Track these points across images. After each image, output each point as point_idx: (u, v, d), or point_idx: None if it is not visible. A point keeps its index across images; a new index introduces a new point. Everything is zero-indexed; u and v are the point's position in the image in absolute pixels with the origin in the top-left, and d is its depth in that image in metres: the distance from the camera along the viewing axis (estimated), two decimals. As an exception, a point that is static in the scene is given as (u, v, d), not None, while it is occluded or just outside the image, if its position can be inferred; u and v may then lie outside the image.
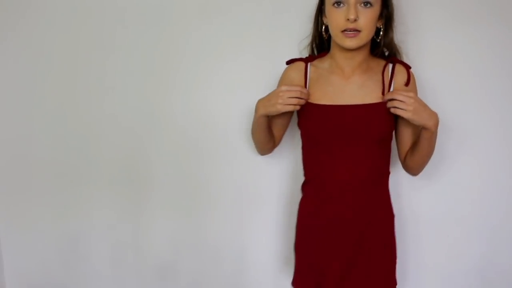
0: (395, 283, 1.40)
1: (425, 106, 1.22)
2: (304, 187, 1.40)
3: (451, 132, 1.56)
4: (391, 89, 1.27)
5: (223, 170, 1.65)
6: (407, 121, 1.26)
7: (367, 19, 1.19)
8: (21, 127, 1.70)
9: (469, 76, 1.53)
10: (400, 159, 1.41)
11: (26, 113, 1.69)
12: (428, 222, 1.62)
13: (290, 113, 1.40)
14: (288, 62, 1.36)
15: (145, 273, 1.76)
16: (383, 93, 1.27)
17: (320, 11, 1.31)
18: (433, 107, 1.25)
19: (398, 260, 1.64)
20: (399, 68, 1.30)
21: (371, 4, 1.20)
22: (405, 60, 1.36)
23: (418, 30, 1.46)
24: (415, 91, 1.32)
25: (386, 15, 1.27)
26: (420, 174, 1.58)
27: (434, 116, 1.22)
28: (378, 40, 1.29)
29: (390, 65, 1.30)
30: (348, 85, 1.28)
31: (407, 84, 1.28)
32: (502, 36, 1.47)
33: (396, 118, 1.29)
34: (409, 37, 1.45)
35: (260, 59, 1.54)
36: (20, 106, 1.69)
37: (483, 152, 1.57)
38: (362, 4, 1.19)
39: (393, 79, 1.28)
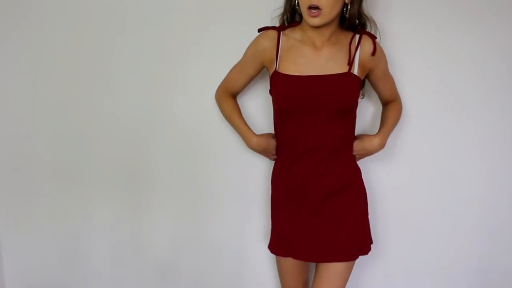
0: (370, 238, 1.46)
1: (367, 151, 1.44)
2: (276, 153, 1.48)
3: (451, 131, 1.56)
4: (356, 59, 1.34)
5: (223, 170, 1.65)
6: (377, 80, 1.43)
7: None
8: (21, 127, 1.70)
9: (470, 74, 1.53)
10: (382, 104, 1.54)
11: (27, 113, 1.69)
12: (428, 222, 1.62)
13: (258, 73, 1.46)
14: (260, 30, 1.41)
15: (145, 273, 1.76)
16: (348, 63, 1.34)
17: None
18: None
19: (399, 260, 1.65)
20: (365, 39, 1.35)
21: None
22: (377, 31, 1.41)
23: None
24: (384, 60, 1.41)
25: None
26: (420, 174, 1.59)
27: (376, 149, 1.44)
28: (347, 16, 1.35)
29: (357, 36, 1.36)
30: (318, 57, 1.34)
31: (373, 53, 1.34)
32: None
33: (363, 85, 1.45)
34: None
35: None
36: (20, 106, 1.69)
37: (484, 152, 1.57)
38: None
39: (358, 49, 1.34)
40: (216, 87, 1.54)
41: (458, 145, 1.57)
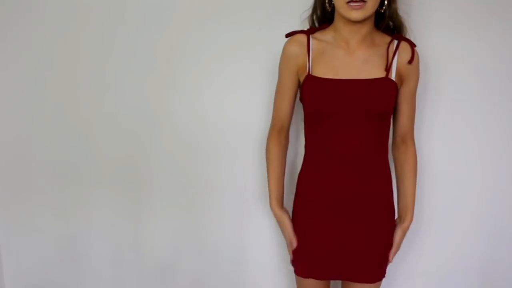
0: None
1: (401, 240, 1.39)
2: (305, 159, 1.38)
3: (451, 131, 1.56)
4: (394, 65, 1.28)
5: (223, 169, 1.65)
6: (401, 101, 1.34)
7: None
8: (20, 127, 1.70)
9: (470, 75, 1.53)
10: (393, 141, 1.42)
11: (26, 113, 1.69)
12: (427, 221, 1.62)
13: (294, 102, 1.38)
14: (288, 35, 1.33)
15: (145, 273, 1.76)
16: (386, 69, 1.27)
17: None
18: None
19: (398, 260, 1.65)
20: (404, 45, 1.29)
21: None
22: (410, 35, 1.35)
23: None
24: (417, 71, 1.33)
25: None
26: (419, 174, 1.59)
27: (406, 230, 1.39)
28: (382, 11, 1.27)
29: (396, 42, 1.29)
30: (353, 60, 1.27)
31: (410, 61, 1.28)
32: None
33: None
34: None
35: (259, 59, 1.54)
36: (19, 106, 1.69)
37: (484, 152, 1.57)
38: None
39: (395, 55, 1.28)
40: (215, 88, 1.54)
41: (458, 144, 1.57)
